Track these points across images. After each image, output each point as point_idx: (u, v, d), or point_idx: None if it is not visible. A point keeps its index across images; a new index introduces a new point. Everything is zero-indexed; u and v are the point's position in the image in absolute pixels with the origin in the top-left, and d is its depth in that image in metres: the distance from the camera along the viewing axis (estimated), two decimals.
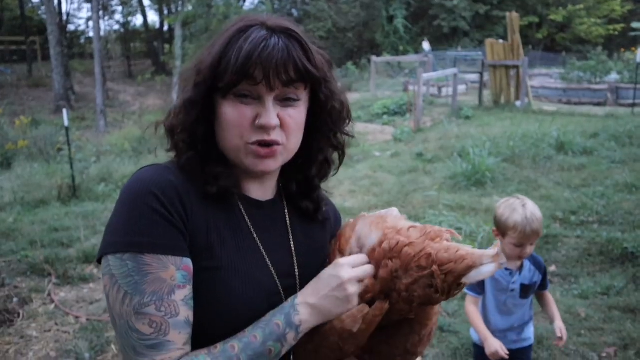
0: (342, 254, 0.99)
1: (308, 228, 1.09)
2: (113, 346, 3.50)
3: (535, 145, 7.89)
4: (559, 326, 2.42)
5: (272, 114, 0.91)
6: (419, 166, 7.92)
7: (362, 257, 0.95)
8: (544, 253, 4.75)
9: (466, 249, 0.87)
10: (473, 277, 0.85)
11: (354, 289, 0.92)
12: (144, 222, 0.87)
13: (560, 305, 3.83)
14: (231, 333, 0.90)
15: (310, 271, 0.99)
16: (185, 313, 0.87)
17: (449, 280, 0.86)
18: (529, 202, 2.31)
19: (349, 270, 0.92)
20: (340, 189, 7.13)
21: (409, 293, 0.89)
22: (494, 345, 2.24)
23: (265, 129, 0.91)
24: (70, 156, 7.40)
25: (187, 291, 0.88)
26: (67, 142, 7.66)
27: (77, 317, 3.90)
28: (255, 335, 0.89)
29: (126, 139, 12.00)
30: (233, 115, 0.92)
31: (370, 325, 0.91)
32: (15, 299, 4.10)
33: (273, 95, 0.91)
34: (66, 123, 7.31)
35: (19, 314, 3.92)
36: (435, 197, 6.15)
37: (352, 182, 7.36)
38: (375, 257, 0.93)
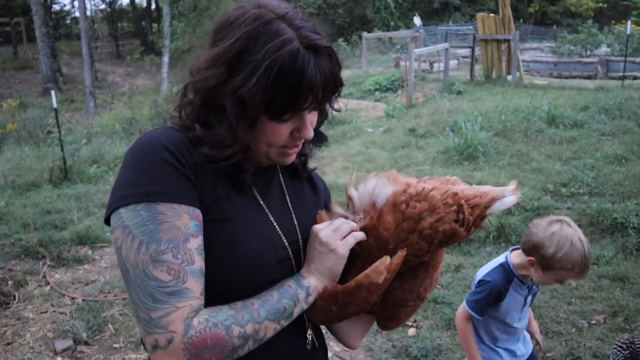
0: (354, 208, 1.05)
1: (300, 192, 1.14)
2: (110, 325, 3.53)
3: (527, 118, 7.90)
4: (541, 338, 2.33)
5: (310, 128, 0.97)
6: (412, 141, 7.94)
7: (341, 221, 1.02)
8: None
9: (487, 187, 0.96)
10: (497, 208, 0.94)
11: (337, 241, 0.99)
12: (156, 173, 0.87)
13: None
14: (244, 285, 0.92)
15: (309, 227, 1.06)
16: (200, 262, 0.88)
17: (475, 214, 0.94)
18: (577, 229, 1.89)
19: (323, 229, 1.01)
20: (333, 165, 7.15)
21: (433, 230, 0.94)
22: None
23: (301, 139, 0.98)
24: (60, 138, 7.34)
25: (199, 240, 0.89)
26: (56, 124, 7.60)
27: (73, 298, 3.92)
28: (271, 294, 0.94)
29: (117, 119, 11.92)
30: (273, 134, 0.95)
31: (393, 274, 0.96)
32: (10, 282, 4.11)
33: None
34: (55, 105, 7.24)
35: (14, 297, 3.93)
36: (428, 172, 6.17)
37: (345, 159, 7.38)
38: (402, 209, 0.96)
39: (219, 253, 0.92)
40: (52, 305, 3.83)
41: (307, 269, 1.01)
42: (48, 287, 4.08)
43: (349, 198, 1.05)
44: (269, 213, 1.02)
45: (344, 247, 0.98)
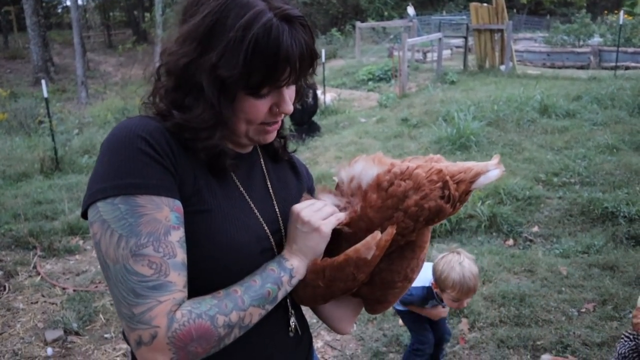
0: (342, 192, 1.04)
1: (283, 177, 1.13)
2: (101, 316, 3.52)
3: (519, 108, 7.90)
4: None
5: (289, 102, 0.95)
6: (404, 131, 7.92)
7: (321, 203, 1.02)
8: (527, 214, 4.83)
9: (471, 162, 0.96)
10: (482, 182, 0.94)
11: (319, 220, 0.98)
12: (134, 164, 0.85)
13: (542, 264, 3.92)
14: (226, 277, 0.90)
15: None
16: (182, 255, 0.86)
17: (460, 189, 0.93)
18: (465, 258, 2.36)
19: (304, 209, 1.00)
20: (326, 155, 7.13)
21: (418, 207, 0.93)
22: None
23: (281, 115, 0.97)
24: (51, 128, 7.28)
25: (181, 233, 0.87)
26: (47, 114, 7.54)
27: (64, 289, 3.90)
28: (254, 279, 0.92)
29: (109, 109, 11.83)
30: (251, 111, 0.93)
31: (382, 250, 0.95)
32: (0, 272, 4.09)
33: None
34: (45, 94, 7.17)
35: (4, 287, 3.91)
36: None
37: (338, 149, 7.36)
38: (385, 186, 0.96)
39: (201, 245, 0.90)
40: (43, 296, 3.81)
41: (290, 249, 0.99)
42: (39, 278, 4.07)
43: (337, 181, 1.05)
44: (250, 202, 1.00)
45: (327, 226, 0.97)
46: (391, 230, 0.94)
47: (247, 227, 0.96)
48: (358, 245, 0.95)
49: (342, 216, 0.99)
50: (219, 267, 0.91)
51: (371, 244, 0.94)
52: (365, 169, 1.00)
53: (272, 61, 0.86)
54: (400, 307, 2.72)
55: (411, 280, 1.04)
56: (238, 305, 0.87)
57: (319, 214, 0.98)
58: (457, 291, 2.29)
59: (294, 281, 0.97)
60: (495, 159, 0.95)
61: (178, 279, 0.83)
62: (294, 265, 0.97)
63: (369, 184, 0.98)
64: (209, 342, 0.84)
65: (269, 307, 0.93)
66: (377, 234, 0.94)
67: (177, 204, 0.88)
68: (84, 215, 0.88)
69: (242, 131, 0.96)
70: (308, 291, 1.00)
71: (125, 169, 0.84)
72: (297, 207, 1.01)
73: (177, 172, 0.89)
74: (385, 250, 0.96)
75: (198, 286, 0.88)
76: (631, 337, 2.47)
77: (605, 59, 14.15)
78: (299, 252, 0.98)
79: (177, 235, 0.86)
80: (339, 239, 1.00)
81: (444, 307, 2.58)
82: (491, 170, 0.94)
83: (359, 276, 0.96)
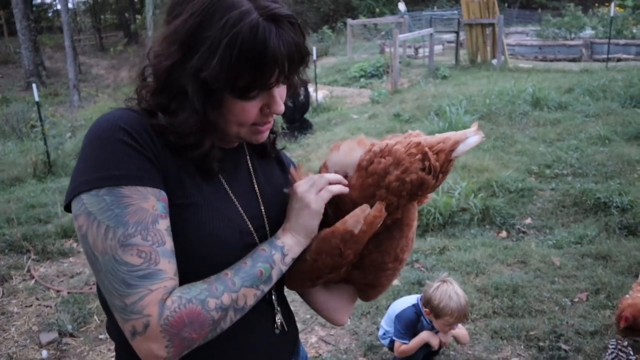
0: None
1: (269, 174, 1.12)
2: (96, 317, 3.51)
3: (511, 102, 7.92)
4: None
5: (280, 102, 0.94)
6: (397, 127, 7.93)
7: (317, 176, 1.00)
8: (520, 206, 4.84)
9: (449, 132, 0.96)
10: (461, 150, 0.94)
11: (311, 195, 0.97)
12: (117, 156, 0.84)
13: (535, 256, 3.93)
14: (208, 272, 0.89)
15: (276, 213, 1.03)
16: (170, 243, 0.85)
17: (441, 159, 0.93)
18: (457, 287, 2.61)
19: (301, 185, 0.99)
20: (318, 152, 7.13)
21: (400, 182, 0.93)
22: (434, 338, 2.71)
23: (272, 115, 0.95)
24: (44, 132, 7.27)
25: (168, 222, 0.86)
26: (39, 118, 7.52)
27: (58, 291, 3.89)
28: (245, 261, 0.91)
29: (101, 112, 11.71)
30: (242, 113, 0.91)
31: (370, 227, 0.94)
32: None
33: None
34: (37, 98, 7.15)
35: None
36: None
37: (330, 146, 7.36)
38: (364, 165, 0.97)
39: (184, 239, 0.89)
40: (37, 299, 3.80)
41: (283, 227, 0.99)
42: (33, 281, 4.05)
43: (324, 166, 1.04)
44: (234, 199, 0.99)
45: (316, 202, 0.96)
46: (380, 207, 0.94)
47: (231, 222, 0.95)
48: (346, 217, 0.95)
49: (335, 188, 0.97)
50: (203, 260, 0.90)
51: (359, 217, 0.94)
52: (349, 152, 1.00)
53: (259, 64, 0.84)
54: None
55: (402, 260, 1.04)
56: (229, 287, 0.86)
57: (313, 188, 0.97)
58: (455, 317, 2.55)
59: (288, 260, 0.95)
60: (474, 126, 0.95)
61: (168, 266, 0.83)
62: (285, 242, 0.96)
63: (353, 167, 0.98)
64: (203, 327, 0.83)
65: (265, 288, 0.92)
66: (365, 207, 0.94)
67: (163, 194, 0.87)
68: (67, 208, 0.87)
69: (234, 133, 0.95)
70: (294, 266, 0.99)
71: (108, 160, 0.84)
72: (297, 184, 1.00)
73: (160, 164, 0.88)
74: (374, 228, 0.95)
75: (184, 277, 0.87)
76: (619, 346, 2.55)
77: (597, 51, 14.21)
78: (291, 229, 0.97)
79: (165, 224, 0.85)
80: (327, 224, 0.99)
81: (435, 332, 2.71)
82: (470, 137, 0.94)
83: (345, 252, 0.96)
